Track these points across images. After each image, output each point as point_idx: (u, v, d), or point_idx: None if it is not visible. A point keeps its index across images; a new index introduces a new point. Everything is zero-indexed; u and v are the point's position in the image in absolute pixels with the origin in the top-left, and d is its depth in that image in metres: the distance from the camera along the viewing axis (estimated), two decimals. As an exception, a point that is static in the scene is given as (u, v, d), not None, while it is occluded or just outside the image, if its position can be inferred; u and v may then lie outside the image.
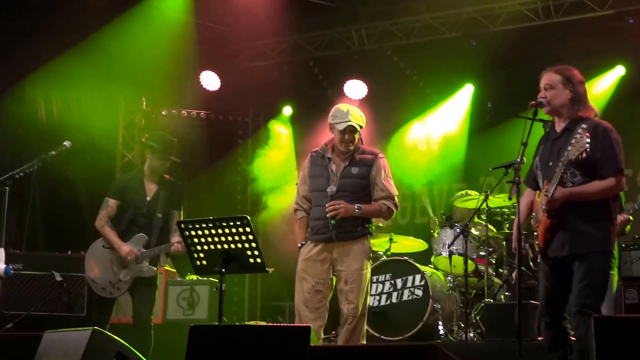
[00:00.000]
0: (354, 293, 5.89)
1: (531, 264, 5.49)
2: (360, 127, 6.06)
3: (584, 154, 4.72)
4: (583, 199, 4.90)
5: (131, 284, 6.67)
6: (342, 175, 6.03)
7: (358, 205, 5.92)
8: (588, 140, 4.69)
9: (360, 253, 5.97)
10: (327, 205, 5.91)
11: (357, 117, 6.04)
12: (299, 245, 6.14)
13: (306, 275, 6.00)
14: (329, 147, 6.17)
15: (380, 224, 8.39)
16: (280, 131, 11.79)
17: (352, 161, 6.07)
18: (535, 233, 5.13)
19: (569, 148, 4.79)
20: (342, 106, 6.14)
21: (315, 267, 5.98)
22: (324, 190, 6.00)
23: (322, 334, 6.07)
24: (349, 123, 5.98)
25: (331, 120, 6.07)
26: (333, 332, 7.99)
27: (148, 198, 6.80)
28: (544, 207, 4.96)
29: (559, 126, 5.14)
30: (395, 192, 6.10)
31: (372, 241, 8.18)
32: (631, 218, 6.45)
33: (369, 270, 6.05)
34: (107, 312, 6.72)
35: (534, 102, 5.12)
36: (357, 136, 6.09)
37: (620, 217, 6.34)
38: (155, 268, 6.74)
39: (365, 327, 6.12)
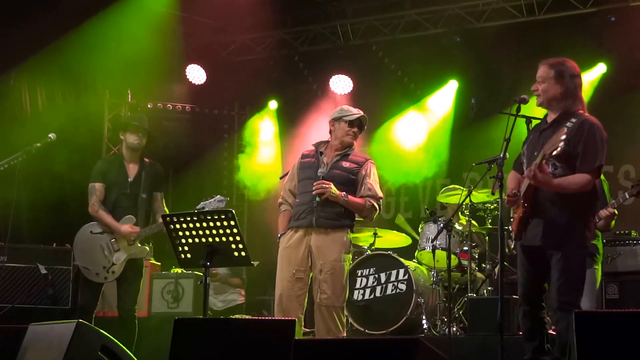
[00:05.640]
0: (327, 283, 5.93)
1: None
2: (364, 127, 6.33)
3: (558, 149, 4.78)
4: (558, 191, 4.97)
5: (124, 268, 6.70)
6: (332, 167, 6.14)
7: (345, 192, 6.00)
8: (563, 137, 4.75)
9: (339, 244, 6.01)
10: (314, 184, 5.99)
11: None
12: (279, 235, 6.21)
13: (286, 263, 6.05)
14: (324, 145, 6.31)
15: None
16: (266, 125, 11.82)
17: (344, 157, 6.20)
18: (511, 219, 5.20)
19: (546, 145, 4.86)
20: (347, 107, 6.43)
21: (294, 254, 6.03)
22: (311, 178, 6.09)
23: (302, 324, 6.11)
24: (361, 114, 6.23)
25: (337, 114, 6.26)
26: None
27: (130, 179, 6.84)
28: (521, 191, 5.04)
29: (550, 118, 5.21)
30: (381, 194, 6.21)
31: (356, 235, 8.31)
32: (616, 212, 6.52)
33: (348, 263, 6.07)
34: (95, 297, 6.72)
35: (517, 99, 5.19)
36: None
37: (605, 212, 6.41)
38: (147, 248, 6.80)
39: (345, 320, 6.16)
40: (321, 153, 6.23)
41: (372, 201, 6.11)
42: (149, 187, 6.85)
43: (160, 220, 6.61)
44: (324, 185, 5.96)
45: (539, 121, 5.40)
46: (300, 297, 5.99)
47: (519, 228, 5.11)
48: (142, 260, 6.86)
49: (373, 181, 6.18)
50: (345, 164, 6.15)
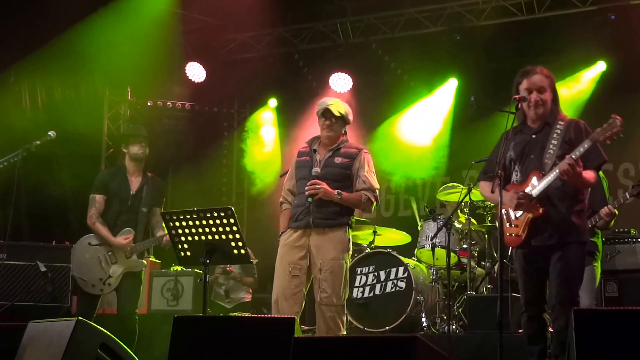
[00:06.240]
0: (327, 282, 5.91)
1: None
2: (341, 114, 6.13)
3: (609, 140, 4.84)
4: (576, 183, 4.98)
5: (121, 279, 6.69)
6: (325, 164, 6.10)
7: (338, 190, 5.97)
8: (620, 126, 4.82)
9: (338, 243, 5.99)
10: (307, 185, 5.98)
11: (336, 104, 6.15)
12: (280, 233, 6.20)
13: (283, 261, 6.04)
14: (317, 141, 6.27)
15: (363, 219, 8.43)
16: (266, 123, 11.82)
17: (337, 152, 6.15)
18: (512, 225, 5.15)
19: (598, 130, 4.88)
20: (326, 98, 6.32)
21: (291, 252, 6.01)
22: (306, 178, 6.06)
23: (299, 322, 6.10)
24: (326, 105, 6.10)
25: (317, 109, 6.20)
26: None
27: (132, 192, 6.82)
28: (535, 192, 5.02)
29: (534, 122, 5.21)
30: (376, 185, 6.15)
31: (356, 233, 8.30)
32: (616, 212, 6.54)
33: (347, 261, 6.06)
34: (92, 309, 6.69)
35: (517, 96, 5.18)
36: (338, 127, 6.17)
37: (606, 210, 6.44)
38: (144, 262, 6.78)
39: (345, 318, 6.14)
40: (315, 150, 6.20)
41: (368, 194, 6.07)
42: (149, 202, 6.85)
43: (158, 234, 6.63)
44: (316, 186, 5.95)
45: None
46: (296, 295, 5.97)
47: (529, 232, 5.07)
48: (141, 271, 6.84)
49: (368, 172, 6.12)
50: (338, 160, 6.11)
